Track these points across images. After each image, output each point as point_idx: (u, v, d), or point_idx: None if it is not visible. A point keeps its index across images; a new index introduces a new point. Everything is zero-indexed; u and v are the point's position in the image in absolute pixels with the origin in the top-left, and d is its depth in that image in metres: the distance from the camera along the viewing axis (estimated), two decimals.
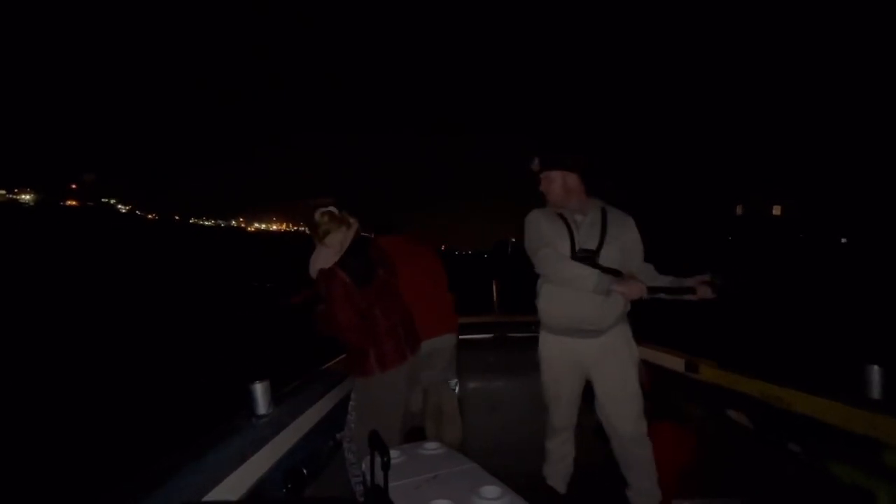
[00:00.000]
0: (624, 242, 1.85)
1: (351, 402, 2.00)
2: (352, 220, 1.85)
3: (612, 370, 1.85)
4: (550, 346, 1.96)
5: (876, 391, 1.32)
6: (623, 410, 1.85)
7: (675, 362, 2.07)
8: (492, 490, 1.16)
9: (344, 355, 2.11)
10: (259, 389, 1.38)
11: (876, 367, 1.32)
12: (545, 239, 1.87)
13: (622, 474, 1.92)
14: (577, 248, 1.82)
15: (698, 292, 1.72)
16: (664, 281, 1.86)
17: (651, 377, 2.25)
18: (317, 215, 1.81)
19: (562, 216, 1.89)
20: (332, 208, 1.83)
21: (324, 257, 1.79)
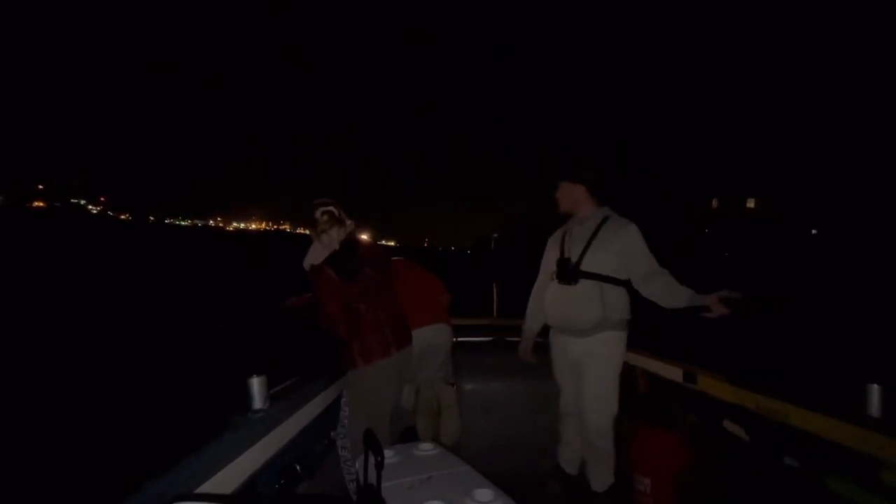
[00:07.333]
0: (619, 249, 1.92)
1: (343, 398, 2.02)
2: (348, 221, 1.98)
3: (590, 368, 1.97)
4: (551, 341, 2.18)
5: (875, 409, 1.31)
6: (592, 404, 1.97)
7: (673, 372, 2.07)
8: (485, 493, 1.16)
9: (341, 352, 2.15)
10: (256, 384, 1.36)
11: (876, 387, 1.31)
12: (544, 264, 2.17)
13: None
14: (563, 255, 2.02)
15: (713, 311, 1.73)
16: (681, 292, 1.86)
17: (649, 386, 2.26)
18: (317, 214, 1.93)
19: (567, 226, 2.11)
20: (331, 208, 1.94)
21: (316, 253, 1.91)
